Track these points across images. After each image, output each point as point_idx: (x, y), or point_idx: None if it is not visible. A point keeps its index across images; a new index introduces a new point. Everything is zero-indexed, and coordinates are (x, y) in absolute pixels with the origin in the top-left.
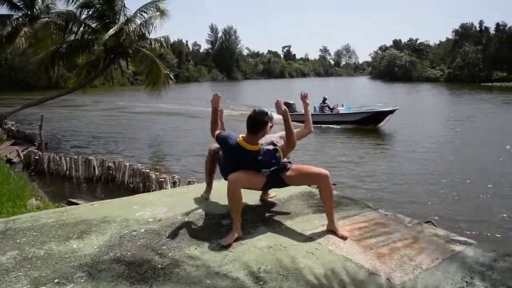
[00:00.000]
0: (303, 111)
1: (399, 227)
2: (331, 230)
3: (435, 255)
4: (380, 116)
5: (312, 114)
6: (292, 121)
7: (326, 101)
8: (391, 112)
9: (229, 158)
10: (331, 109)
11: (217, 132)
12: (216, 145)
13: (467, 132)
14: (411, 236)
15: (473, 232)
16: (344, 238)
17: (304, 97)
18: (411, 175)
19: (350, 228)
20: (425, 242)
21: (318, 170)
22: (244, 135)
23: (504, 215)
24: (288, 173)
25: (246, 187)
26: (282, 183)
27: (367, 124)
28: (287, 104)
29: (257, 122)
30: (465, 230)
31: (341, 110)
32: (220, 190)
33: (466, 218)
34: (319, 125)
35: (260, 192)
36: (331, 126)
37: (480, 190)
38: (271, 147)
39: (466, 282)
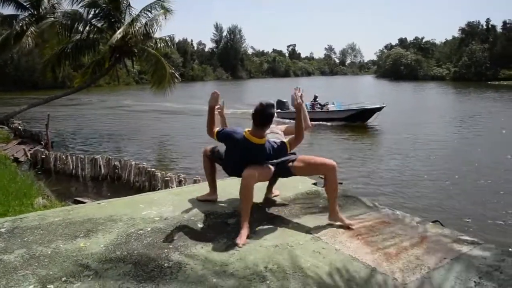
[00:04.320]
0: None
1: (406, 226)
2: (333, 222)
3: (442, 255)
4: (368, 113)
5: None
6: (285, 118)
7: (317, 99)
8: (379, 109)
9: (235, 153)
10: (322, 107)
11: (217, 129)
12: (211, 145)
13: (474, 130)
14: (418, 235)
15: (481, 232)
16: (349, 228)
17: (300, 95)
18: (417, 174)
19: (356, 228)
20: (432, 242)
21: (325, 160)
22: (249, 129)
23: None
24: (294, 163)
25: (259, 180)
26: (288, 173)
27: (355, 121)
28: (280, 102)
29: (266, 115)
30: (472, 230)
31: (331, 107)
32: (225, 189)
33: (474, 217)
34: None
35: (264, 191)
36: (321, 123)
37: (488, 189)
38: (277, 140)
39: (474, 282)
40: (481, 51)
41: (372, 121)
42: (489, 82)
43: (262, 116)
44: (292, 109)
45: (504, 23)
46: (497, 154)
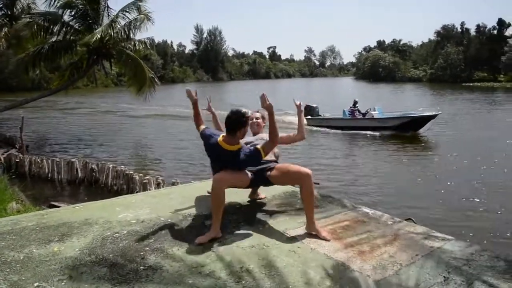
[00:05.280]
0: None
1: (380, 224)
2: (312, 233)
3: (414, 251)
4: (422, 121)
5: (342, 119)
6: (313, 125)
7: (357, 105)
8: (433, 117)
9: (211, 156)
10: (364, 114)
11: (202, 127)
12: None
13: (451, 131)
14: (391, 233)
15: (452, 229)
16: (326, 240)
17: (298, 105)
18: (392, 174)
19: (332, 227)
20: (405, 239)
21: (300, 168)
22: (224, 135)
23: (482, 211)
24: (272, 172)
25: (231, 186)
26: (266, 182)
27: (407, 130)
28: (309, 108)
29: (234, 122)
30: (444, 226)
31: (375, 114)
32: (200, 192)
33: (446, 215)
34: (350, 131)
35: (248, 193)
36: (363, 132)
37: (460, 188)
38: (252, 146)
39: (444, 277)
40: (456, 54)
41: (424, 131)
42: (463, 84)
43: (230, 122)
44: (322, 115)
45: (478, 26)
46: (473, 154)
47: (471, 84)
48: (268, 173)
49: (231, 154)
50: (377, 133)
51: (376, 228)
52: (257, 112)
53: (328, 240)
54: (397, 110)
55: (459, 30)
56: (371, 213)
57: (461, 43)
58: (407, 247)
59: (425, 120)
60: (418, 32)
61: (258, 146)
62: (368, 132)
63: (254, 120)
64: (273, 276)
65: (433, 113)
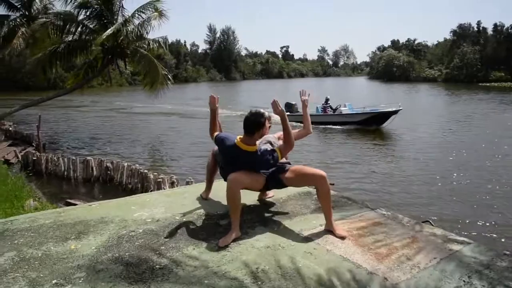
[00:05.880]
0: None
1: (397, 226)
2: (329, 230)
3: (433, 254)
4: (384, 116)
5: (314, 115)
6: (293, 121)
7: (329, 102)
8: (395, 112)
9: (227, 159)
10: (334, 110)
11: (216, 133)
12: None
13: (466, 132)
14: (409, 235)
15: (471, 232)
16: (342, 238)
17: (304, 100)
18: (409, 175)
19: (348, 228)
20: (423, 242)
21: (315, 171)
22: (241, 136)
23: (502, 214)
24: (286, 174)
25: (246, 187)
26: (281, 184)
27: (370, 125)
28: (289, 105)
29: (253, 123)
30: (463, 229)
31: (344, 110)
32: (218, 191)
33: (464, 217)
34: (321, 126)
35: (258, 192)
36: (333, 126)
37: (478, 190)
38: (268, 147)
39: (464, 281)
40: (472, 53)
41: (386, 125)
42: (480, 84)
43: (249, 123)
44: (300, 112)
45: (495, 25)
46: (489, 156)
47: (487, 84)
48: (282, 175)
49: (248, 155)
50: (345, 127)
51: (393, 230)
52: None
53: (344, 238)
54: (367, 106)
55: (476, 29)
56: (388, 215)
57: (478, 43)
58: (425, 250)
59: (386, 115)
60: (433, 32)
61: (276, 147)
62: (337, 127)
63: None
64: (289, 277)
65: (394, 109)
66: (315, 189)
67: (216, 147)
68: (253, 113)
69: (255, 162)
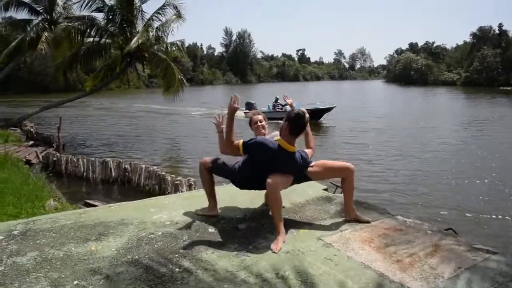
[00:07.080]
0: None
1: (419, 234)
2: (352, 219)
3: (457, 264)
4: (319, 113)
5: (265, 112)
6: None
7: (278, 101)
8: (329, 109)
9: (264, 163)
10: (282, 107)
11: (242, 140)
12: (209, 157)
13: (486, 136)
14: (431, 244)
15: (496, 241)
16: (367, 221)
17: (290, 102)
18: (429, 180)
19: (369, 235)
20: (446, 251)
21: (343, 163)
22: (279, 138)
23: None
24: (312, 169)
25: (283, 188)
26: (305, 179)
27: (310, 120)
28: (249, 104)
29: (305, 126)
30: (487, 238)
31: (289, 108)
32: (232, 195)
33: (489, 226)
34: (272, 121)
35: (263, 199)
36: (280, 121)
37: (503, 196)
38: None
39: None
40: (492, 56)
41: (321, 121)
42: (501, 88)
43: (303, 125)
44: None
45: None
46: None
47: (508, 88)
48: (308, 170)
49: (292, 156)
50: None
51: (415, 238)
52: (259, 114)
53: (369, 222)
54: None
55: (497, 32)
56: (408, 222)
57: (499, 45)
58: (448, 259)
59: (322, 112)
60: (452, 35)
61: (308, 150)
62: (281, 122)
63: (259, 123)
64: (309, 284)
65: (328, 106)
66: (334, 195)
67: (207, 158)
68: (306, 116)
69: (296, 162)
